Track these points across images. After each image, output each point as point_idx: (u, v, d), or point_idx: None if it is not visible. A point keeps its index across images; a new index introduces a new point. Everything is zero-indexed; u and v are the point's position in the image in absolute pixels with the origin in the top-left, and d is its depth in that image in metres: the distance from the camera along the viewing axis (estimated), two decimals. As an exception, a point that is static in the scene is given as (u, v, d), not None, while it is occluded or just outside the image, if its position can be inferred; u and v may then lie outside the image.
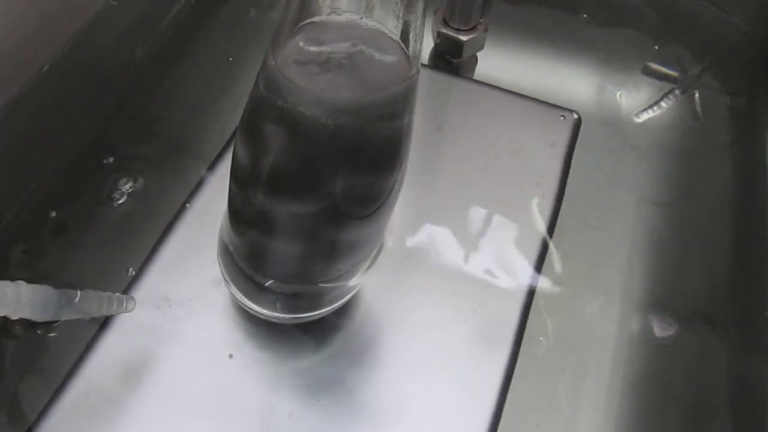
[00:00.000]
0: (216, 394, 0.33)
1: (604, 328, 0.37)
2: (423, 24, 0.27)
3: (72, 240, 0.37)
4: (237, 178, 0.31)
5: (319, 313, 0.35)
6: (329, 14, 0.26)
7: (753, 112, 0.47)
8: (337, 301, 0.35)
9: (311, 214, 0.29)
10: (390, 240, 0.37)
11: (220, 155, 0.41)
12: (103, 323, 0.34)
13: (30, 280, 0.26)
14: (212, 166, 0.40)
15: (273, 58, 0.26)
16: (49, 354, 0.33)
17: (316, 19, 0.26)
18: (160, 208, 0.38)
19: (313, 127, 0.26)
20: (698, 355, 0.36)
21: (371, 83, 0.26)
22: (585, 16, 0.51)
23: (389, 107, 0.27)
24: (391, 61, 0.27)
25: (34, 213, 0.38)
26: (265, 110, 0.27)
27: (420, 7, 0.26)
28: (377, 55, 0.26)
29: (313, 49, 0.26)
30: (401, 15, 0.26)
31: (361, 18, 0.26)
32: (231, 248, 0.35)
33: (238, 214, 0.32)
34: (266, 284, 0.34)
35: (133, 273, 0.36)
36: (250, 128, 0.29)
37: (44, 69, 0.39)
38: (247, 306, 0.34)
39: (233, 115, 0.42)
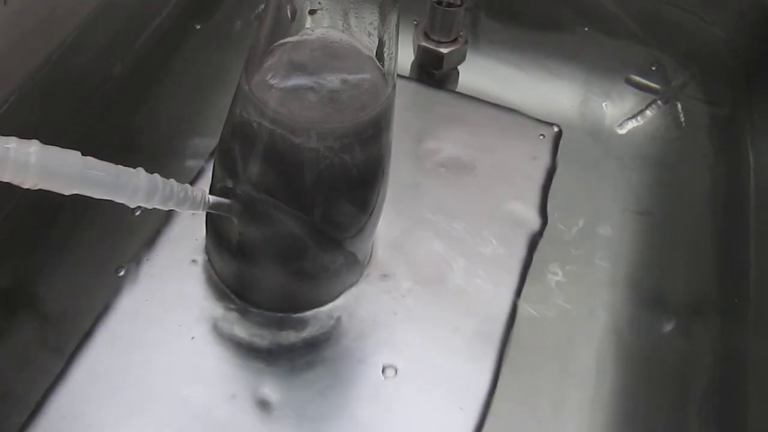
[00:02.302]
0: (196, 415, 0.32)
1: (589, 338, 0.36)
2: (397, 40, 0.27)
3: (52, 254, 0.37)
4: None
5: (302, 332, 0.34)
6: (302, 34, 0.26)
7: (734, 121, 0.47)
8: (319, 322, 0.35)
9: (290, 237, 0.29)
10: (372, 257, 0.37)
11: (201, 171, 0.40)
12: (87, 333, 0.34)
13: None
14: (194, 182, 0.40)
15: (246, 81, 0.25)
16: (25, 375, 0.33)
17: (289, 39, 0.25)
18: (144, 223, 0.38)
19: (288, 150, 0.26)
20: (681, 365, 0.36)
21: (347, 103, 0.26)
22: (583, 29, 0.51)
23: (365, 127, 0.27)
24: (366, 79, 0.26)
25: (12, 230, 0.37)
26: (241, 133, 0.27)
27: (394, 23, 0.26)
28: (352, 75, 0.26)
29: (286, 71, 0.26)
30: (375, 32, 0.26)
31: (336, 37, 0.26)
32: (214, 267, 0.35)
33: (217, 235, 0.32)
34: (248, 305, 0.34)
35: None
36: (227, 150, 0.28)
37: (22, 87, 0.39)
38: (231, 329, 0.34)
39: (216, 130, 0.42)
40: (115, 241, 0.38)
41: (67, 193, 0.23)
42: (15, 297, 0.35)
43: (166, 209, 0.27)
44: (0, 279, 0.36)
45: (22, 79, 0.39)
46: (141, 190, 0.25)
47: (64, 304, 0.35)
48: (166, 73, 0.46)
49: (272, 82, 0.26)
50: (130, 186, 0.25)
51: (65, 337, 0.34)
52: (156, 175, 0.26)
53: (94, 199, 0.37)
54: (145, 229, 0.38)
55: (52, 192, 0.37)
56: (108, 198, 0.25)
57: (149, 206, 0.26)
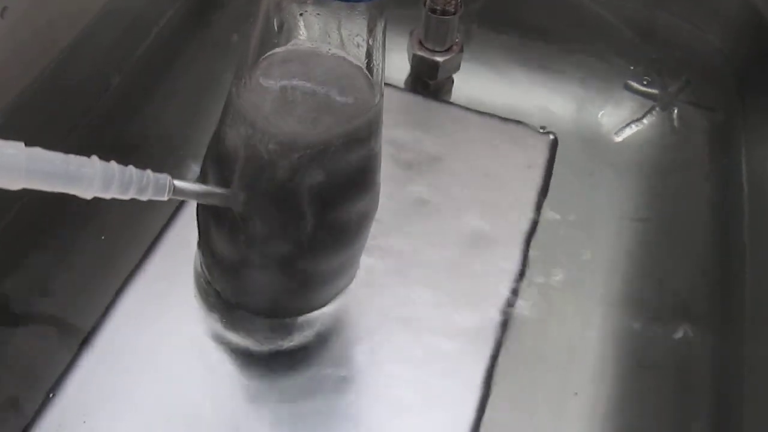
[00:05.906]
0: (193, 422, 0.33)
1: (585, 345, 0.37)
2: (384, 50, 0.27)
3: (51, 265, 0.37)
4: (205, 209, 0.31)
5: (294, 341, 0.35)
6: (291, 45, 0.26)
7: (729, 127, 0.47)
8: (312, 329, 0.35)
9: (280, 248, 0.29)
10: (364, 264, 0.37)
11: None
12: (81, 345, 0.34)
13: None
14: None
15: (236, 91, 0.26)
16: (23, 382, 0.33)
17: (278, 50, 0.26)
18: (138, 237, 0.38)
19: (278, 160, 0.26)
20: (679, 371, 0.36)
21: (335, 114, 0.26)
22: (579, 37, 0.51)
23: (354, 137, 0.27)
24: (354, 89, 0.27)
25: (12, 241, 0.38)
26: (231, 144, 0.27)
27: (381, 34, 0.26)
28: (340, 85, 0.27)
29: (275, 81, 0.26)
30: (363, 43, 0.26)
31: (324, 48, 0.26)
32: (207, 275, 0.35)
33: (207, 247, 0.32)
34: (241, 313, 0.34)
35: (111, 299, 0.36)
36: (217, 161, 0.29)
37: (19, 98, 0.39)
38: (224, 336, 0.34)
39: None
40: (113, 248, 0.38)
41: (13, 189, 0.21)
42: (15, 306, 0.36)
43: (127, 198, 0.25)
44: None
45: (19, 90, 0.39)
46: (96, 179, 0.23)
47: (63, 309, 0.35)
48: (163, 83, 0.46)
49: (261, 92, 0.26)
50: (83, 176, 0.22)
51: (63, 344, 0.34)
52: (112, 162, 0.24)
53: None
54: (143, 235, 0.38)
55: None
56: (60, 191, 0.22)
57: (107, 196, 0.24)
